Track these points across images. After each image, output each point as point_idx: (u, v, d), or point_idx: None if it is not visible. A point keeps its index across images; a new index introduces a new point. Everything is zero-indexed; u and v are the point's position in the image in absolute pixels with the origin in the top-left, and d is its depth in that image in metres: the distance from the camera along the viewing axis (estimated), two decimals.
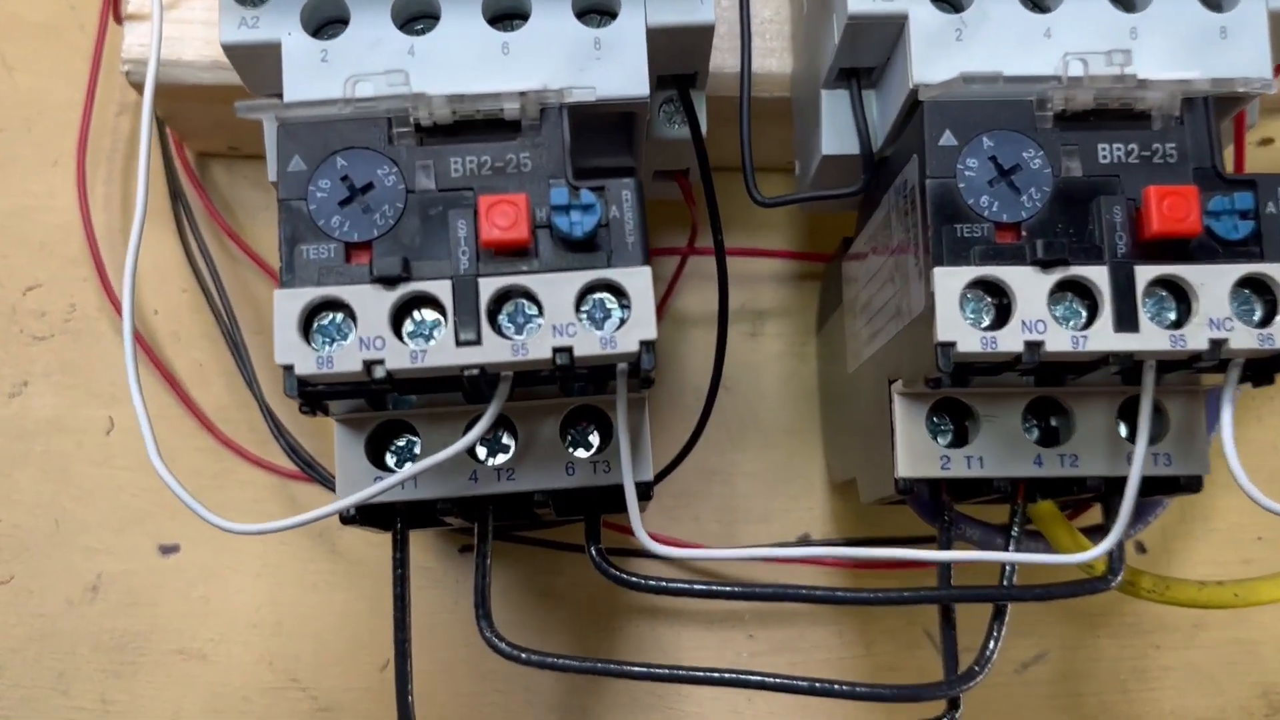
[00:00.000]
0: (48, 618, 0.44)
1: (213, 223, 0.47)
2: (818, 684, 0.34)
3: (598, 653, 0.45)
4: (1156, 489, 0.34)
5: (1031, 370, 0.30)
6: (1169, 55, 0.30)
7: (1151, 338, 0.28)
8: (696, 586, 0.36)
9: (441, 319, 0.28)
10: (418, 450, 0.34)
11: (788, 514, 0.46)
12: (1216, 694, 0.45)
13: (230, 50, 0.31)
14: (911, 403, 0.34)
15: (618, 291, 0.28)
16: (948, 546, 0.36)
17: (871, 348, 0.36)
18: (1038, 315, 0.29)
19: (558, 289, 0.28)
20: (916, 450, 0.34)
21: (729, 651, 0.45)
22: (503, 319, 0.28)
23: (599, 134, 0.33)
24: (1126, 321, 0.29)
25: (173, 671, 0.44)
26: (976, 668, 0.35)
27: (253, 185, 0.47)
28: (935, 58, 0.31)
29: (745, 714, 0.45)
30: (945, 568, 0.36)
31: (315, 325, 0.28)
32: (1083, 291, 0.29)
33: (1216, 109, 0.30)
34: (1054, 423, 0.35)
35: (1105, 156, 0.30)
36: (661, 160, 0.38)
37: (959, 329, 0.29)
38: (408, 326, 0.28)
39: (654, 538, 0.31)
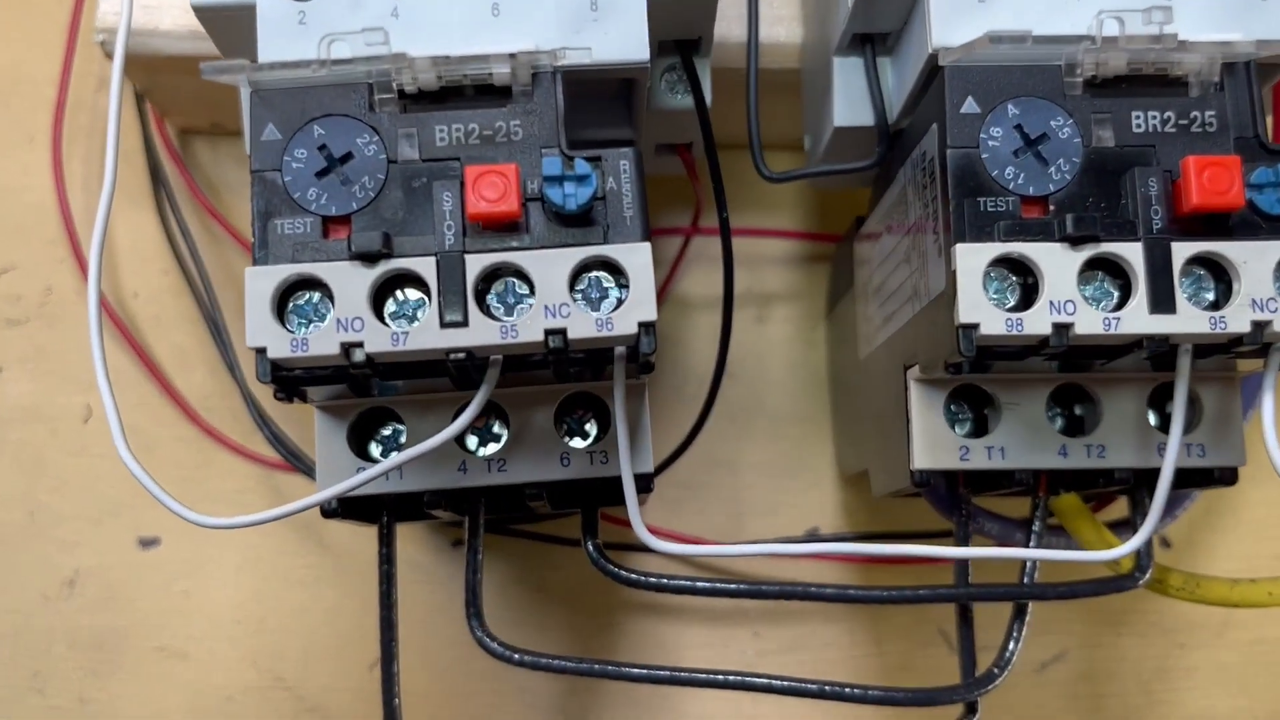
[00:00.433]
0: (22, 614, 0.43)
1: (195, 202, 0.45)
2: (828, 687, 0.33)
3: (596, 650, 0.44)
4: (1189, 481, 0.33)
5: (1058, 355, 0.28)
6: (1208, 16, 0.29)
7: (1189, 319, 0.27)
8: (700, 584, 0.34)
9: (425, 298, 0.27)
10: (404, 440, 0.32)
11: (795, 506, 0.45)
12: (1245, 695, 0.44)
13: (201, 12, 0.30)
14: (928, 390, 0.32)
15: (615, 270, 0.27)
16: (965, 542, 0.34)
17: (885, 332, 0.35)
18: (1067, 295, 0.27)
19: (550, 267, 0.26)
20: (934, 440, 0.32)
21: (733, 649, 0.44)
22: (491, 299, 0.27)
23: (595, 104, 0.32)
24: (1162, 302, 0.27)
25: (153, 670, 0.43)
26: (996, 670, 0.33)
27: (237, 163, 0.46)
28: (956, 20, 0.29)
29: (751, 713, 0.43)
30: (963, 565, 0.34)
31: (290, 305, 0.27)
32: (1115, 270, 0.27)
33: (1259, 74, 0.28)
34: (1078, 411, 0.33)
35: (1139, 125, 0.28)
36: (663, 133, 0.37)
37: (982, 310, 0.27)
38: (389, 307, 0.27)
39: (655, 532, 0.30)
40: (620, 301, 0.27)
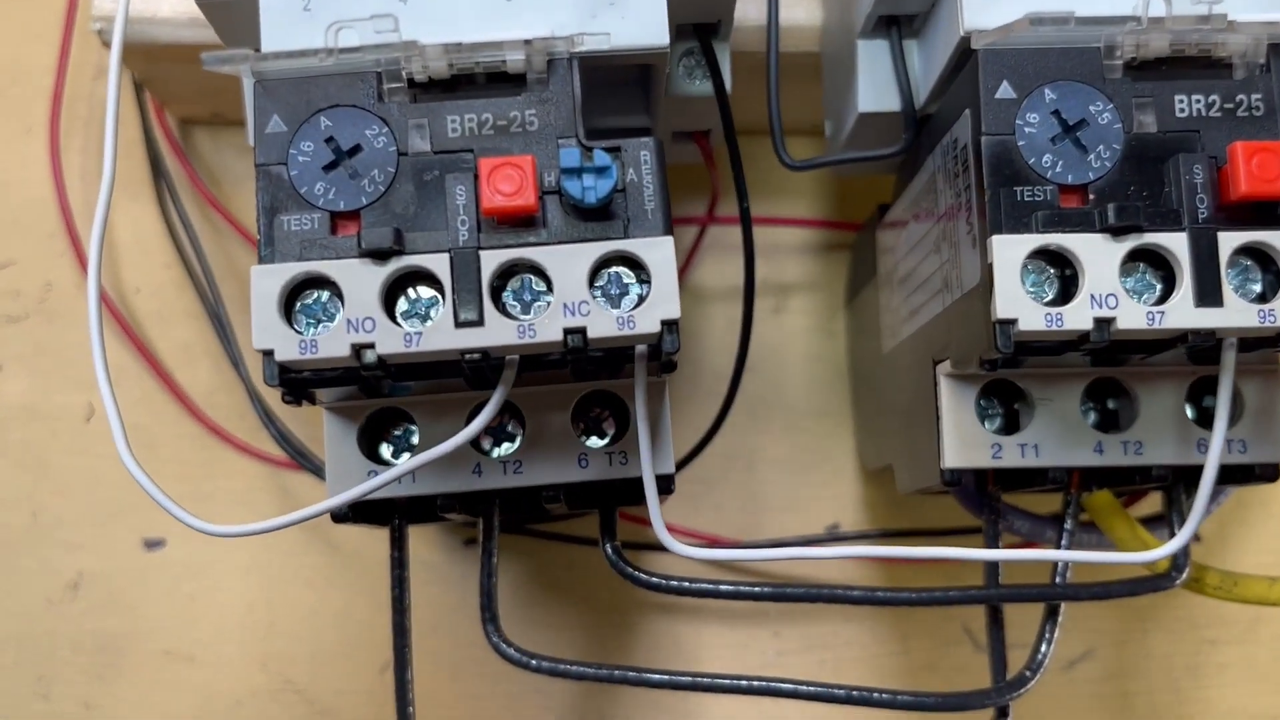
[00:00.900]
0: (26, 618, 0.42)
1: (197, 194, 0.44)
2: (855, 692, 0.32)
3: (613, 649, 0.43)
4: (1229, 478, 0.32)
5: (1097, 350, 0.27)
6: None
7: (1237, 313, 0.26)
8: (722, 588, 0.33)
9: (439, 297, 0.26)
10: (415, 440, 0.31)
11: (815, 502, 0.44)
12: (1277, 693, 0.43)
13: None
14: (960, 386, 0.31)
15: (636, 265, 0.26)
16: (995, 541, 0.33)
17: (912, 325, 0.33)
18: (1108, 288, 0.26)
19: (569, 262, 0.25)
20: (965, 438, 0.31)
21: (754, 650, 0.43)
22: (507, 297, 0.26)
23: (611, 91, 0.30)
24: (1209, 295, 0.26)
25: (159, 674, 0.42)
26: (1028, 673, 0.32)
27: (239, 153, 0.45)
28: (988, 1, 0.28)
29: (774, 714, 0.42)
30: (993, 565, 0.33)
31: (298, 305, 0.26)
32: (1158, 261, 0.26)
33: None
34: (1112, 405, 0.32)
35: (1183, 109, 0.27)
36: (681, 120, 0.36)
37: (1020, 304, 0.26)
38: (401, 306, 0.26)
39: (673, 530, 0.29)
40: (641, 298, 0.26)
